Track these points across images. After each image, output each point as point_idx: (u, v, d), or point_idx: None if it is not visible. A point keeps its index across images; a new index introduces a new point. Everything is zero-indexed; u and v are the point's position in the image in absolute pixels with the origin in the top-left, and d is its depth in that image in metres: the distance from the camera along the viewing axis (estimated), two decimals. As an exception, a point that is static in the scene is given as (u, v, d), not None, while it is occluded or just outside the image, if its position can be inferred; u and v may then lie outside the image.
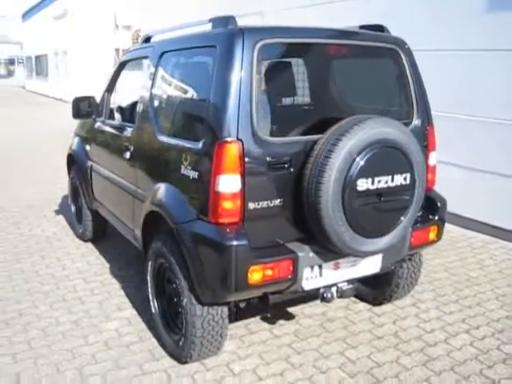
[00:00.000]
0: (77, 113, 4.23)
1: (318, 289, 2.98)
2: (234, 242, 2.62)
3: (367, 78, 3.25)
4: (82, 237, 5.11)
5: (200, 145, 2.74)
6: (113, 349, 3.30)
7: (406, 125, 3.17)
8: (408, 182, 2.80)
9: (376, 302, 3.83)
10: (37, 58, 33.48)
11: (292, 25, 2.83)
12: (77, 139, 5.00)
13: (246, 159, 2.62)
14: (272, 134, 2.73)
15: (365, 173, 2.63)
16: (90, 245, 5.06)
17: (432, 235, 3.29)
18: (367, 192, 2.67)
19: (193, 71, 3.07)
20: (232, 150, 2.59)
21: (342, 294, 3.05)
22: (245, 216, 2.68)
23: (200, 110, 2.80)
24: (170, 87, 3.29)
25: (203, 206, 2.71)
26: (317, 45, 2.92)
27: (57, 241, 5.18)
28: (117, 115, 4.14)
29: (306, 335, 3.46)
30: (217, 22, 2.85)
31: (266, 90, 2.85)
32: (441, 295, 4.05)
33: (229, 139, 2.59)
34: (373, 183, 2.67)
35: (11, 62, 59.05)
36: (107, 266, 4.57)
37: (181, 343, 3.03)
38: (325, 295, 2.98)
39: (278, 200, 2.74)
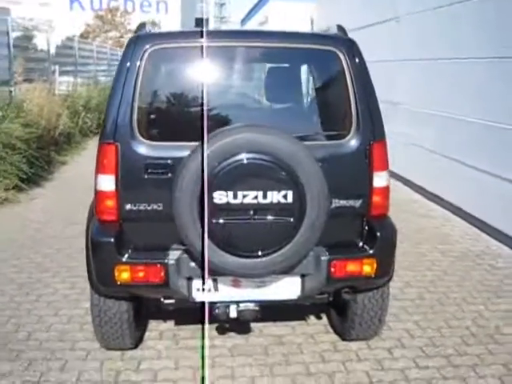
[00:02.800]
0: None
1: (215, 303, 2.86)
2: (100, 238, 2.71)
3: (290, 84, 2.95)
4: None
5: None
6: (70, 323, 3.62)
7: (336, 138, 2.81)
8: (290, 201, 2.49)
9: (343, 336, 3.44)
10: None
11: (198, 28, 2.75)
12: None
13: (122, 161, 2.67)
14: (153, 138, 2.71)
15: (223, 185, 2.45)
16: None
17: (367, 269, 2.84)
18: (229, 206, 2.47)
19: None
20: (107, 152, 2.68)
21: (239, 315, 2.86)
22: (122, 216, 2.73)
23: None
24: None
25: None
26: (222, 48, 2.77)
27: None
28: None
29: (239, 352, 3.30)
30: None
31: (155, 93, 2.82)
32: (434, 345, 3.42)
33: (105, 141, 2.68)
34: (235, 197, 2.46)
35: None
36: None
37: None
38: (216, 311, 2.84)
39: (157, 204, 2.72)
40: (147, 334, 3.49)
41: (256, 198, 2.47)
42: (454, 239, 5.55)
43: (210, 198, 2.45)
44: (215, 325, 3.55)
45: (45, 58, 11.63)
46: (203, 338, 3.25)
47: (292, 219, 2.52)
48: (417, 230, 5.80)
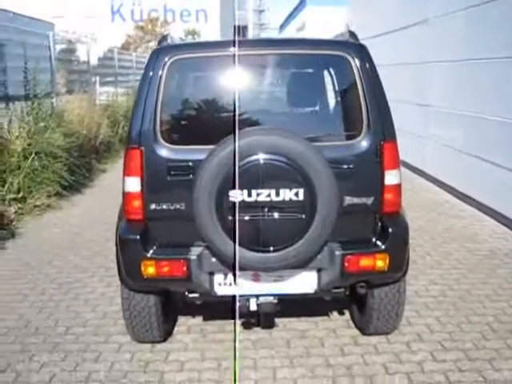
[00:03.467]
0: None
1: (235, 297, 3.03)
2: (128, 236, 2.94)
3: (303, 89, 3.10)
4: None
5: None
6: (105, 319, 3.85)
7: (349, 138, 2.94)
8: (301, 198, 2.65)
9: (363, 330, 3.54)
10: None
11: (219, 38, 2.94)
12: None
13: (147, 164, 2.88)
14: (175, 142, 2.92)
15: (239, 184, 2.62)
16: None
17: (380, 264, 2.96)
18: (244, 204, 2.64)
19: None
20: (132, 156, 2.90)
21: (259, 308, 3.02)
22: (147, 215, 2.94)
23: None
24: None
25: None
26: (240, 56, 2.95)
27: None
28: None
29: (262, 345, 3.46)
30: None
31: (176, 101, 3.02)
32: (453, 340, 3.49)
33: (131, 145, 2.90)
34: (249, 195, 2.63)
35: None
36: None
37: None
38: (238, 304, 3.01)
39: (180, 204, 2.91)
40: (176, 328, 3.69)
41: (269, 195, 2.63)
42: (483, 238, 5.56)
43: (226, 196, 2.63)
44: (241, 320, 3.72)
45: (86, 70, 12.14)
46: (235, 331, 3.42)
47: (304, 216, 2.67)
48: (445, 230, 5.83)
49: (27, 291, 4.37)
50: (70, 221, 6.44)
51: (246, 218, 2.66)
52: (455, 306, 4.00)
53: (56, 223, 6.36)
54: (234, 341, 3.30)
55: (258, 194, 2.63)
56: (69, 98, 9.63)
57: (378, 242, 2.97)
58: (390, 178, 2.97)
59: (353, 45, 3.00)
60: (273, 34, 56.01)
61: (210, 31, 39.83)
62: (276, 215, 2.66)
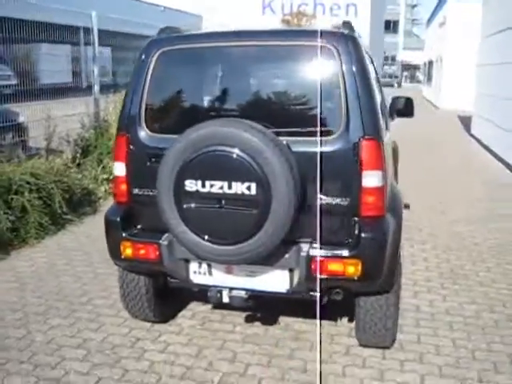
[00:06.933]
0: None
1: (209, 286, 3.05)
2: (110, 217, 3.10)
3: (285, 81, 2.96)
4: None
5: None
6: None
7: (325, 134, 2.78)
8: (254, 192, 2.58)
9: (359, 341, 3.33)
10: (429, 63, 34.90)
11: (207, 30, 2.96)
12: None
13: (131, 150, 3.02)
14: (157, 130, 3.01)
15: (193, 174, 2.64)
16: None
17: (351, 270, 2.78)
18: (198, 194, 2.65)
19: None
20: (119, 142, 3.06)
21: (231, 300, 3.00)
22: (131, 199, 3.08)
23: None
24: None
25: None
26: (223, 48, 2.94)
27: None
28: None
29: (250, 340, 3.43)
30: None
31: (163, 90, 3.07)
32: (457, 367, 3.16)
33: (119, 132, 3.06)
34: (203, 186, 2.64)
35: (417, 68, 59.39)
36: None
37: None
38: (209, 294, 3.03)
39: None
40: (183, 312, 3.81)
41: (222, 188, 2.61)
42: None
43: (183, 185, 2.66)
44: (246, 313, 3.72)
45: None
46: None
47: (256, 211, 2.60)
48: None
49: (77, 262, 4.79)
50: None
51: (200, 208, 2.68)
52: (484, 330, 3.59)
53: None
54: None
55: (211, 186, 2.63)
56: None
57: (350, 247, 2.78)
58: (369, 179, 2.75)
59: (338, 35, 2.82)
60: (422, 29, 52.21)
61: (360, 26, 38.99)
62: (228, 208, 2.64)
